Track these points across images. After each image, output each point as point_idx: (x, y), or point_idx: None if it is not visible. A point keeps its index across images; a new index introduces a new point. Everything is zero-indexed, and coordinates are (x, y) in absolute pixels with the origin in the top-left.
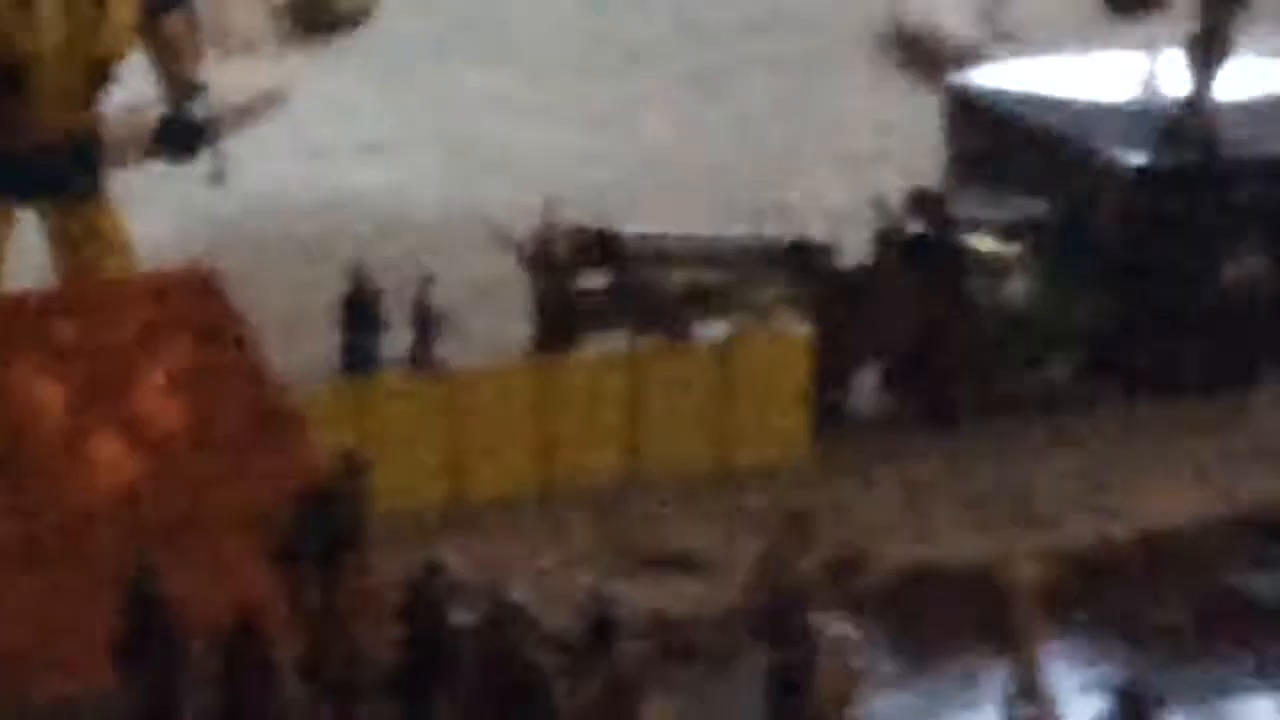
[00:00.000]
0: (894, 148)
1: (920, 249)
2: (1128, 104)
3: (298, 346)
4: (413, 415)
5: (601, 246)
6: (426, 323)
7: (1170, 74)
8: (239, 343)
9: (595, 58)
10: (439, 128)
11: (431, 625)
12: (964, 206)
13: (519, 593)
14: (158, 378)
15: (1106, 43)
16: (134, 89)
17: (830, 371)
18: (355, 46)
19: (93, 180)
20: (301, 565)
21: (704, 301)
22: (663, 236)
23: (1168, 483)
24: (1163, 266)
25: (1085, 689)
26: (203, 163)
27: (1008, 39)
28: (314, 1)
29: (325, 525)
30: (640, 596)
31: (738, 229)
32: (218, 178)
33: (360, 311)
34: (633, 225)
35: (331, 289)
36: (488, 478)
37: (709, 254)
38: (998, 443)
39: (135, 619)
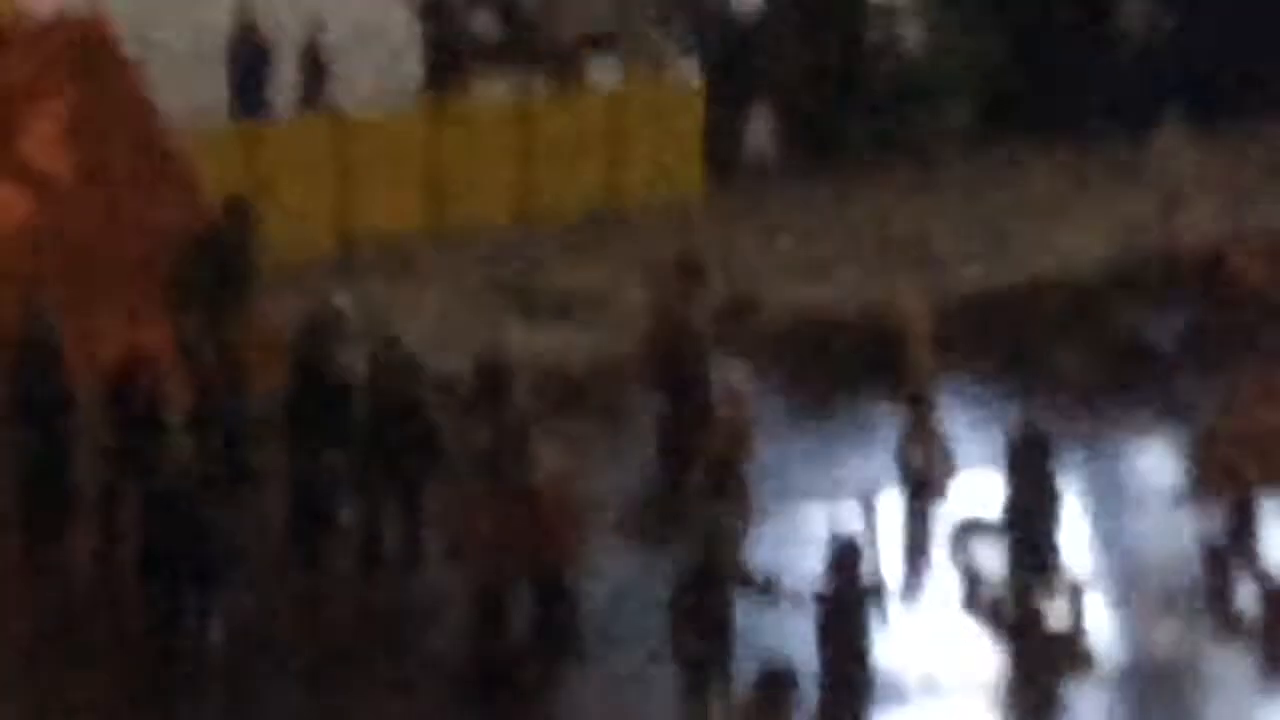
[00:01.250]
0: None
1: None
2: None
3: (186, 91)
4: (302, 160)
5: None
6: (316, 66)
7: None
8: (127, 87)
9: None
10: None
11: (321, 371)
12: None
13: (408, 339)
14: (45, 123)
15: None
16: None
17: (723, 116)
18: None
19: None
20: (190, 310)
21: (595, 45)
22: None
23: (1066, 227)
24: (1059, 8)
25: (978, 428)
26: None
27: None
28: None
29: (213, 271)
30: (530, 342)
31: None
32: None
33: (249, 56)
34: None
35: (220, 32)
36: (378, 223)
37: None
38: (893, 187)
39: (28, 366)
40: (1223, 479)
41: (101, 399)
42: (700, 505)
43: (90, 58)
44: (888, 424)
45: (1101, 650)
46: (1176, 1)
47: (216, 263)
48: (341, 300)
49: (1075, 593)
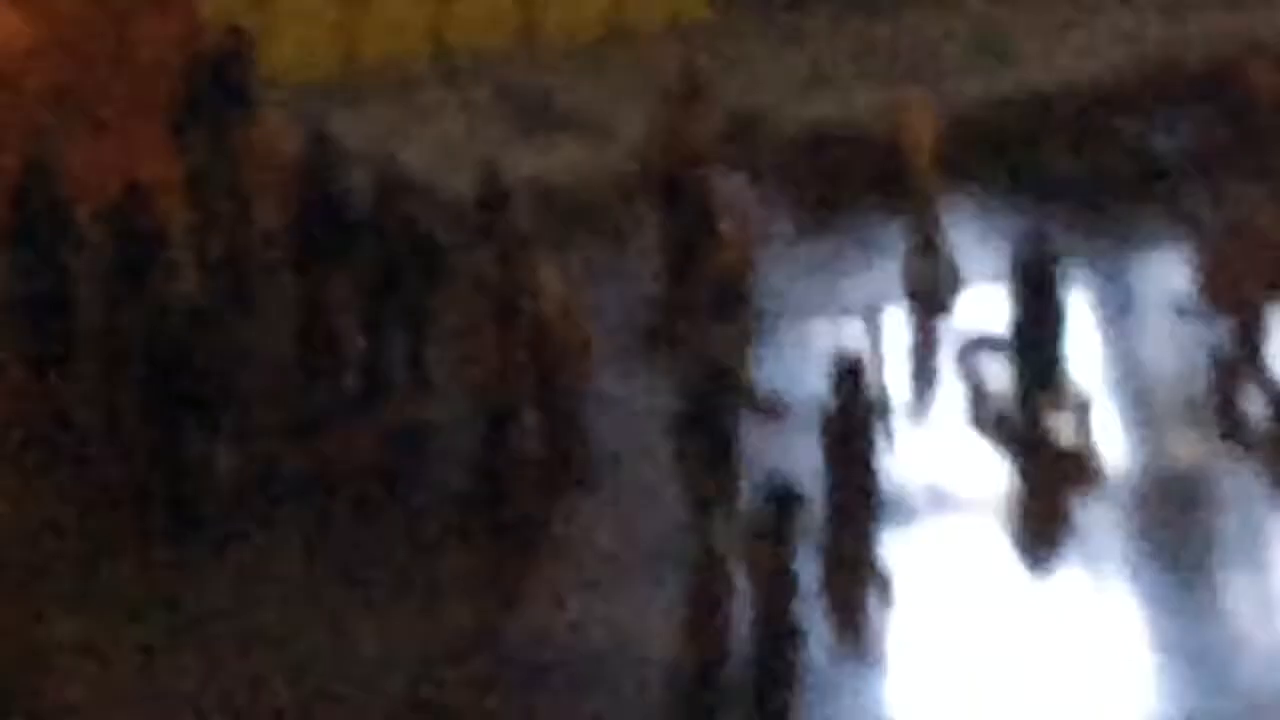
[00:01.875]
0: None
1: None
2: None
3: None
4: None
5: None
6: None
7: None
8: None
9: None
10: None
11: (324, 194)
12: None
13: (412, 161)
14: None
15: None
16: None
17: None
18: None
19: None
20: (191, 134)
21: None
22: None
23: (1069, 37)
24: None
25: (983, 241)
26: None
27: None
28: None
29: (214, 93)
30: (534, 161)
31: None
32: None
33: None
34: None
35: None
36: (380, 44)
37: None
38: (898, 4)
39: (29, 195)
40: (1229, 290)
41: (104, 222)
42: (704, 323)
43: None
44: (893, 239)
45: (1110, 464)
46: None
47: (217, 85)
48: (343, 126)
49: (1083, 407)
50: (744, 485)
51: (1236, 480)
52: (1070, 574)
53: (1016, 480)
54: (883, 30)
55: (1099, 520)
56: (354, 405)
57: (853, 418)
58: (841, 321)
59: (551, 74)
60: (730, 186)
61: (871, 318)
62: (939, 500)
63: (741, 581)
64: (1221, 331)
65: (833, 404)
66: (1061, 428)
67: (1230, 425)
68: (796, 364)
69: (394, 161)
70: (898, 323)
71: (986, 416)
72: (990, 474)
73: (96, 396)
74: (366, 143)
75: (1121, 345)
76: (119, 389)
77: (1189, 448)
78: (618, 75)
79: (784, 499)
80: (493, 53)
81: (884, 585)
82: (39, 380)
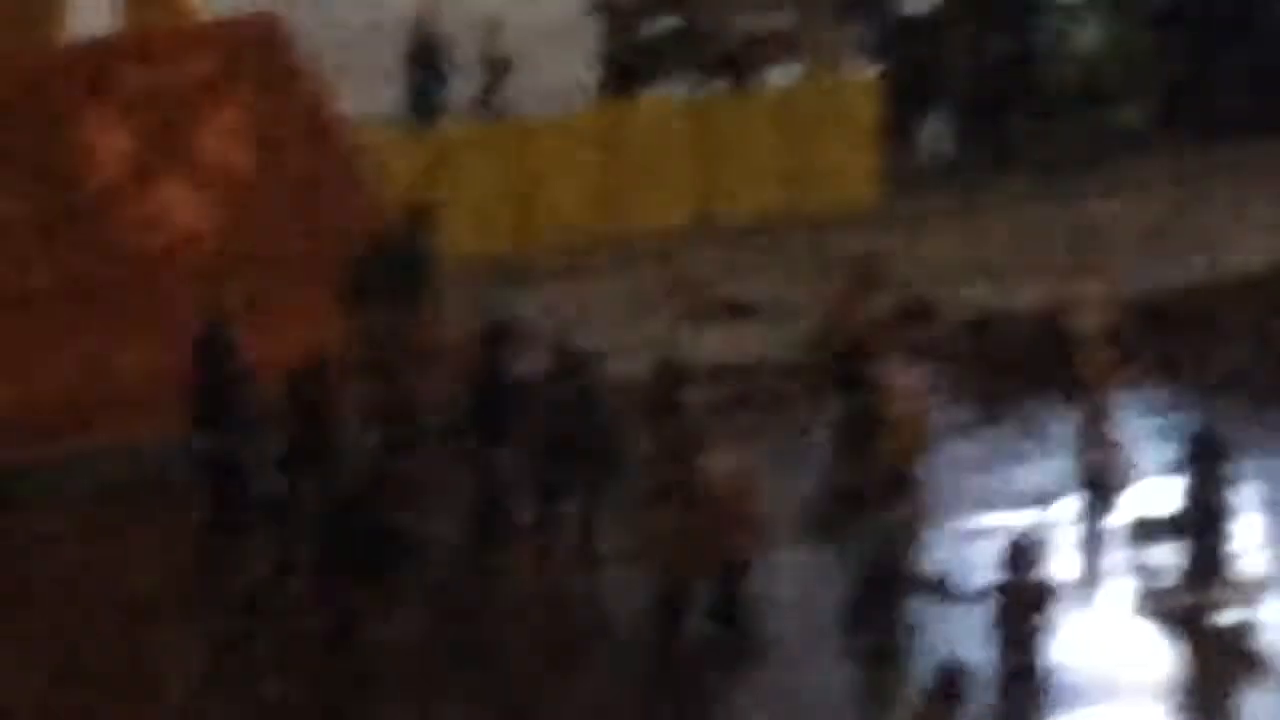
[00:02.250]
0: None
1: None
2: None
3: (365, 92)
4: (479, 162)
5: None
6: (493, 68)
7: None
8: (305, 89)
9: None
10: None
11: (500, 372)
12: None
13: (585, 340)
14: (225, 124)
15: None
16: None
17: (898, 116)
18: None
19: None
20: (368, 312)
21: (769, 46)
22: None
23: (1240, 227)
24: (1232, 6)
25: (1154, 436)
26: None
27: None
28: None
29: (392, 271)
30: (708, 344)
31: None
32: None
33: (427, 57)
34: None
35: (399, 34)
36: (556, 225)
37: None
38: (1067, 187)
39: (208, 366)
40: None
41: (279, 398)
42: (876, 506)
43: (265, 57)
44: (1064, 427)
45: (1278, 653)
46: None
47: (395, 263)
48: (519, 305)
49: (1253, 596)
50: (914, 667)
51: None
52: None
53: (1185, 668)
54: (1050, 214)
55: (1268, 710)
56: (527, 578)
57: (1022, 600)
58: (1012, 507)
59: (724, 258)
60: (903, 373)
61: (1043, 506)
62: (1109, 686)
63: None
64: None
65: (1003, 586)
66: (1231, 616)
67: None
68: (966, 548)
69: (568, 340)
70: (1069, 511)
71: (1157, 604)
72: (1160, 661)
73: (271, 567)
74: (541, 320)
75: None
76: (293, 560)
77: None
78: (789, 260)
79: (954, 680)
80: (665, 235)
81: None
82: (216, 547)
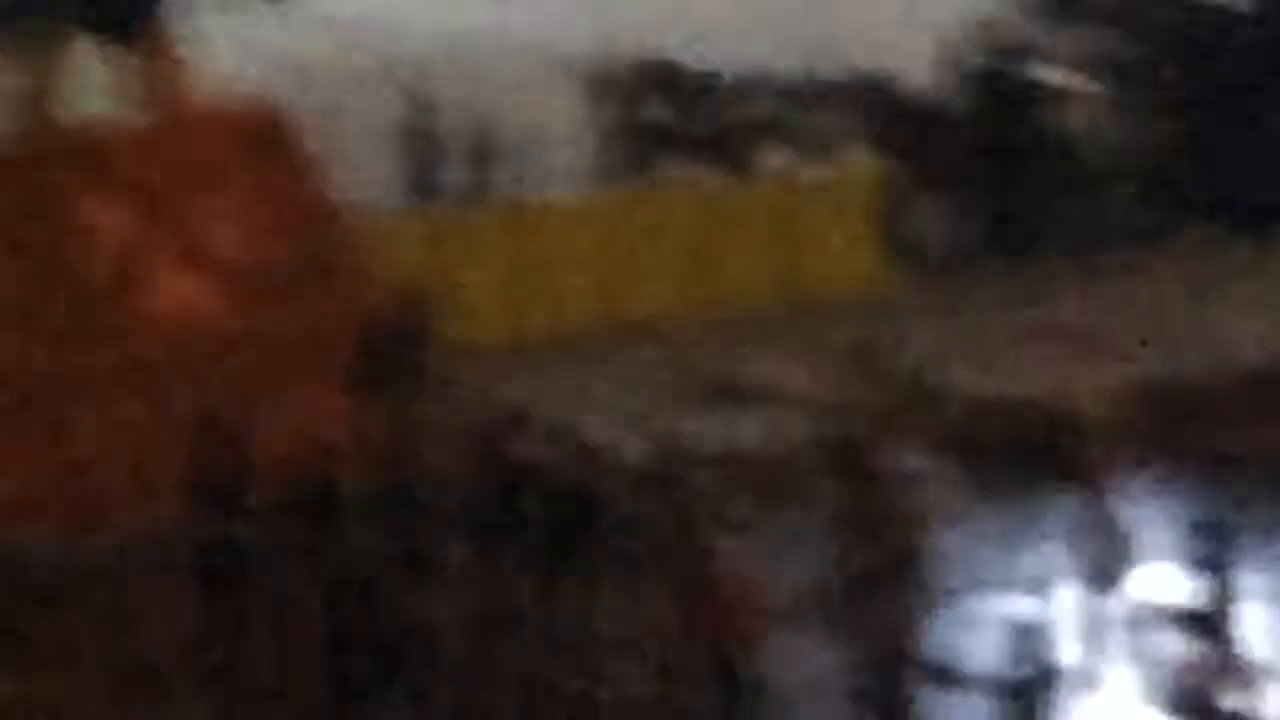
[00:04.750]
0: None
1: (990, 80)
2: None
3: (361, 176)
4: (476, 247)
5: (664, 79)
6: (488, 152)
7: None
8: (302, 174)
9: None
10: None
11: (501, 460)
12: (1034, 37)
13: (588, 428)
14: (223, 209)
15: None
16: None
17: (898, 202)
18: None
19: (153, 8)
20: (367, 398)
21: (768, 133)
22: (723, 70)
23: (1240, 315)
24: (1225, 92)
25: (1155, 518)
26: None
27: None
28: None
29: (390, 358)
30: (709, 430)
31: (793, 61)
32: None
33: (423, 141)
34: (693, 58)
35: (394, 119)
36: (553, 310)
37: (771, 86)
38: (1068, 274)
39: (205, 456)
40: None
41: (279, 486)
42: (880, 594)
43: (262, 143)
44: (1065, 513)
45: None
46: None
47: (393, 350)
48: (518, 392)
49: (1257, 682)
50: None
51: None
52: None
53: None
54: (1049, 300)
55: None
56: (528, 667)
57: (1027, 687)
58: (1014, 593)
59: (723, 340)
60: (905, 459)
61: (1044, 591)
62: None
63: None
64: None
65: (1006, 673)
66: (1238, 703)
67: None
68: (970, 635)
69: (569, 427)
70: (1070, 597)
71: (1162, 690)
72: None
73: (274, 653)
74: (542, 407)
75: None
76: (292, 653)
77: None
78: (789, 341)
79: None
80: (664, 320)
81: None
82: (220, 640)
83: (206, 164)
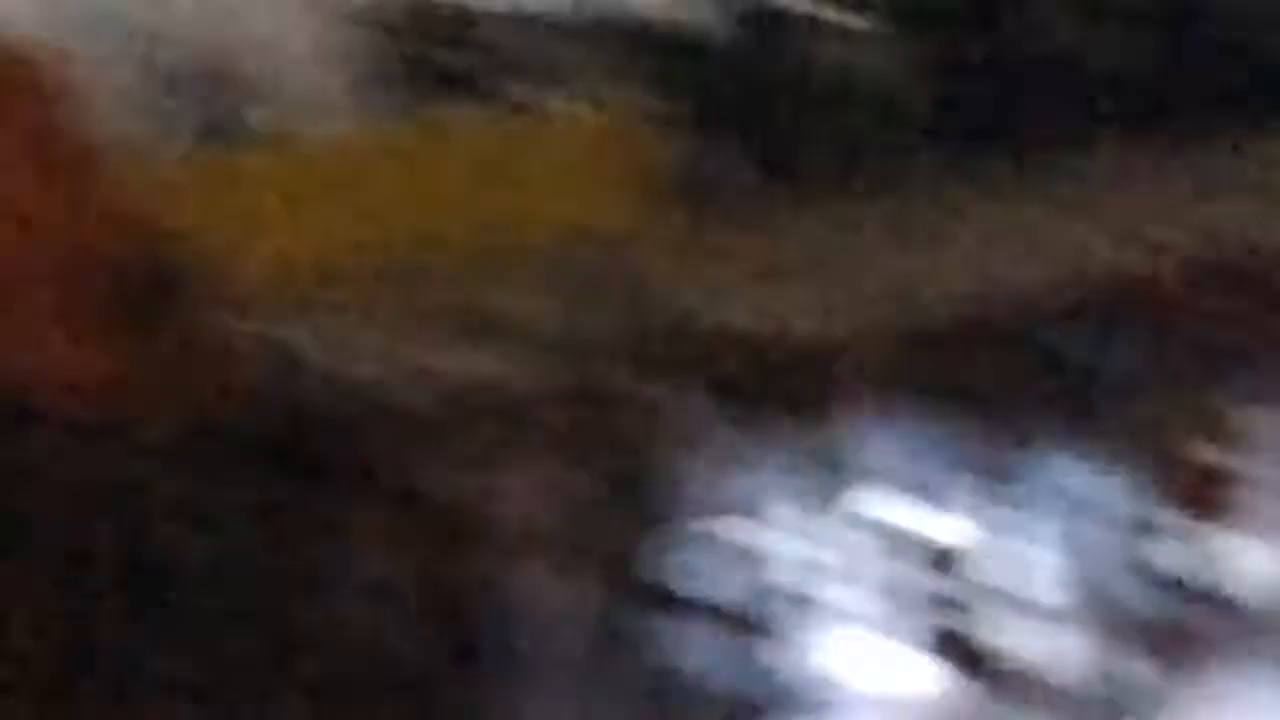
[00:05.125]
0: None
1: (760, 18)
2: None
3: (133, 120)
4: (246, 184)
5: (420, 14)
6: (239, 91)
7: None
8: (58, 114)
9: None
10: None
11: (265, 401)
12: None
13: (353, 366)
14: None
15: None
16: None
17: (673, 142)
18: None
19: None
20: (126, 336)
21: (527, 70)
22: (481, 6)
23: (1012, 250)
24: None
25: (915, 456)
26: None
27: None
28: None
29: (152, 299)
30: (457, 365)
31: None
32: None
33: (193, 84)
34: None
35: (163, 61)
36: (320, 249)
37: (533, 23)
38: (838, 217)
39: None
40: (1185, 506)
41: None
42: (611, 520)
43: (13, 83)
44: (803, 444)
45: (1063, 682)
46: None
47: (149, 292)
48: (288, 329)
49: (996, 616)
50: (654, 682)
51: (1189, 699)
52: None
53: (965, 698)
54: (824, 244)
55: None
56: (271, 610)
57: (760, 616)
58: (759, 519)
59: (483, 279)
60: (643, 390)
61: (774, 519)
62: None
63: None
64: (1174, 548)
65: (740, 601)
66: (1008, 645)
67: (1179, 639)
68: (704, 561)
69: (331, 364)
70: (801, 525)
71: (932, 632)
72: (911, 681)
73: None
74: (309, 346)
75: (1072, 561)
76: (65, 592)
77: (1138, 665)
78: (540, 279)
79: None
80: (431, 257)
81: None
82: None
83: None
